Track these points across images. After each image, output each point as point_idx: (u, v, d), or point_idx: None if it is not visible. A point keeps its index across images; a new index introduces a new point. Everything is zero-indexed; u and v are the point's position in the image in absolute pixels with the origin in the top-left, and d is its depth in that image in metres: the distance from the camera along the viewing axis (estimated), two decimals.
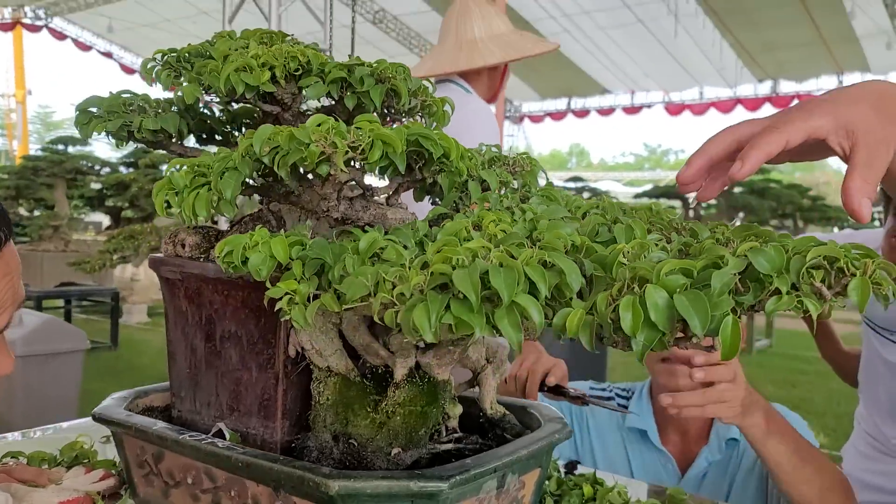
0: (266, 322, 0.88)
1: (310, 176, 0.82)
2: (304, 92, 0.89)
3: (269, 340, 0.88)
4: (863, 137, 0.74)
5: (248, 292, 0.88)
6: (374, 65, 0.89)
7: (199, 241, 0.95)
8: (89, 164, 6.60)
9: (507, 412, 0.95)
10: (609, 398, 1.72)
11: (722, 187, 0.83)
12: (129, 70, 18.35)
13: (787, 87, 15.75)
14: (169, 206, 0.79)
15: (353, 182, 0.82)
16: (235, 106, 1.02)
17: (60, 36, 16.93)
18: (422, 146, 0.74)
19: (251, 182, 0.85)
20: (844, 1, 11.75)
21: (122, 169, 7.43)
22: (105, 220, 9.39)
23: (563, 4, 13.12)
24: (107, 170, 6.86)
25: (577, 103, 18.63)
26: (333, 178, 0.71)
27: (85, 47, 17.19)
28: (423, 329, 0.56)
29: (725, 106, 16.01)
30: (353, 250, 0.67)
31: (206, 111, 1.02)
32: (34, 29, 16.78)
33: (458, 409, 0.93)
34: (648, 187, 10.91)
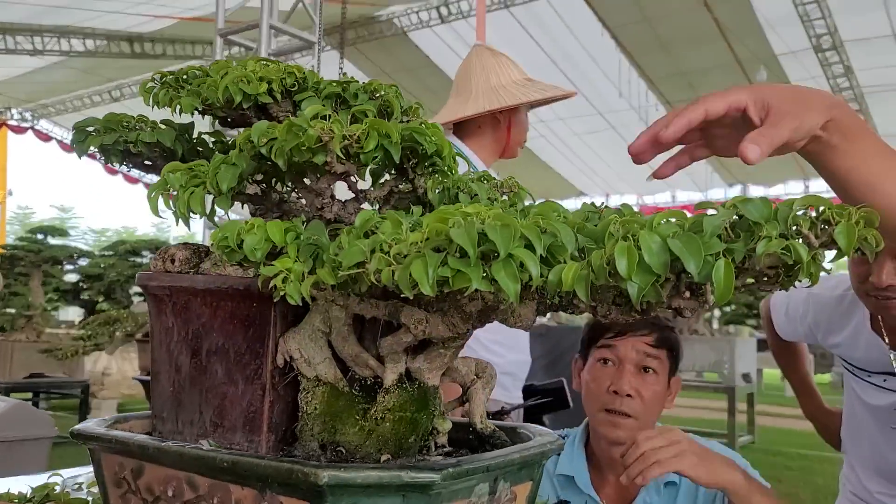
0: (254, 332, 0.88)
1: (306, 181, 0.84)
2: (299, 108, 0.92)
3: (257, 351, 0.87)
4: (776, 108, 0.85)
5: (237, 302, 0.88)
6: (367, 83, 0.92)
7: (189, 256, 0.95)
8: (67, 254, 6.57)
9: (497, 429, 0.93)
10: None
11: (677, 168, 0.92)
12: (112, 171, 18.53)
13: (756, 191, 16.27)
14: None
15: (346, 185, 0.84)
16: (231, 133, 1.05)
17: (45, 137, 17.16)
18: (416, 141, 0.76)
19: (246, 191, 0.87)
20: None
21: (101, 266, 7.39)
22: (77, 316, 9.26)
23: (539, 111, 13.60)
24: (85, 260, 6.84)
25: None
26: (329, 166, 0.73)
27: (69, 148, 17.38)
28: (421, 282, 0.56)
29: None
30: (347, 231, 0.68)
31: (198, 139, 1.05)
32: (20, 130, 17.01)
33: (448, 425, 0.91)
34: None
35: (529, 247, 0.58)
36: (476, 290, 0.66)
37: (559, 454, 1.69)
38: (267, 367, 0.87)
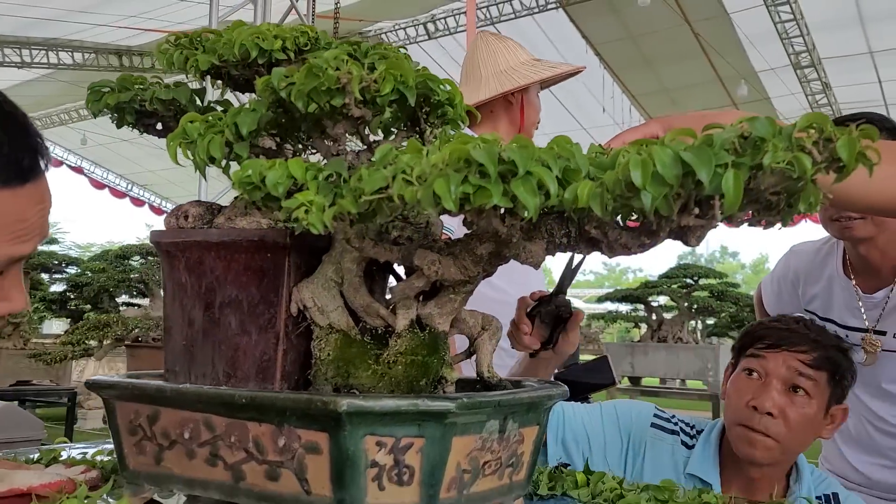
0: (268, 283, 0.90)
1: (328, 145, 0.86)
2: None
3: (271, 301, 0.90)
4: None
5: (251, 254, 0.90)
6: (377, 44, 0.95)
7: (202, 212, 0.97)
8: (56, 262, 6.52)
9: (503, 378, 0.96)
10: (673, 432, 1.59)
11: None
12: (98, 185, 18.49)
13: None
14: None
15: (360, 137, 0.87)
16: (244, 98, 1.07)
17: None
18: (429, 88, 0.79)
19: (261, 144, 0.89)
20: None
21: (89, 273, 7.33)
22: (62, 329, 9.19)
23: None
24: (74, 269, 6.79)
25: None
26: (347, 108, 0.76)
27: (56, 162, 17.34)
28: (444, 198, 0.59)
29: None
30: (367, 166, 0.71)
31: (208, 105, 1.07)
32: None
33: (455, 375, 0.93)
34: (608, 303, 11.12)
35: (546, 168, 0.61)
36: (492, 221, 0.69)
37: (691, 448, 1.55)
38: (281, 316, 0.89)
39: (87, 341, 4.45)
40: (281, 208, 0.74)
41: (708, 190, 0.56)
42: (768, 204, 0.65)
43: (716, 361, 6.77)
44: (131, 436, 0.90)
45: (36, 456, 1.12)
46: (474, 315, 0.95)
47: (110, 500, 0.93)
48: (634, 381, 8.66)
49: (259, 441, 0.79)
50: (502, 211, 0.69)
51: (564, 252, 0.79)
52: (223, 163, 0.87)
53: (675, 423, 1.60)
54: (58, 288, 7.46)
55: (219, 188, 4.40)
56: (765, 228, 0.73)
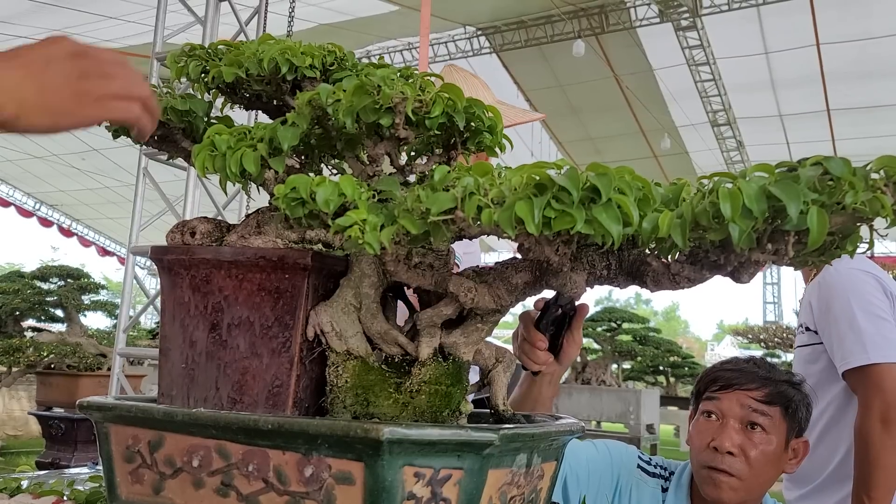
0: (284, 304, 0.86)
1: (365, 157, 0.84)
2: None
3: (287, 323, 0.86)
4: None
5: (267, 273, 0.87)
6: (404, 68, 0.94)
7: (211, 229, 0.93)
8: None
9: (517, 412, 0.94)
10: (654, 475, 1.60)
11: None
12: (4, 202, 17.64)
13: None
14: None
15: (389, 160, 0.85)
16: (243, 115, 1.04)
17: None
18: (473, 114, 0.78)
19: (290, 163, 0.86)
20: None
21: None
22: None
23: None
24: None
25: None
26: (395, 129, 0.74)
27: None
28: (527, 220, 0.58)
29: None
30: (422, 186, 0.69)
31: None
32: None
33: (469, 407, 0.91)
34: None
35: (624, 196, 0.60)
36: (544, 249, 0.68)
37: (665, 490, 1.59)
38: (296, 339, 0.85)
39: None
40: (325, 225, 0.72)
41: (792, 226, 0.57)
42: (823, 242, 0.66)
43: (637, 405, 6.91)
44: (127, 463, 0.84)
45: None
46: (489, 346, 0.93)
47: None
48: None
49: (281, 470, 0.75)
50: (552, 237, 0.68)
51: (603, 284, 0.79)
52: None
53: (655, 466, 1.62)
54: None
55: (154, 210, 4.23)
56: (796, 269, 0.75)
